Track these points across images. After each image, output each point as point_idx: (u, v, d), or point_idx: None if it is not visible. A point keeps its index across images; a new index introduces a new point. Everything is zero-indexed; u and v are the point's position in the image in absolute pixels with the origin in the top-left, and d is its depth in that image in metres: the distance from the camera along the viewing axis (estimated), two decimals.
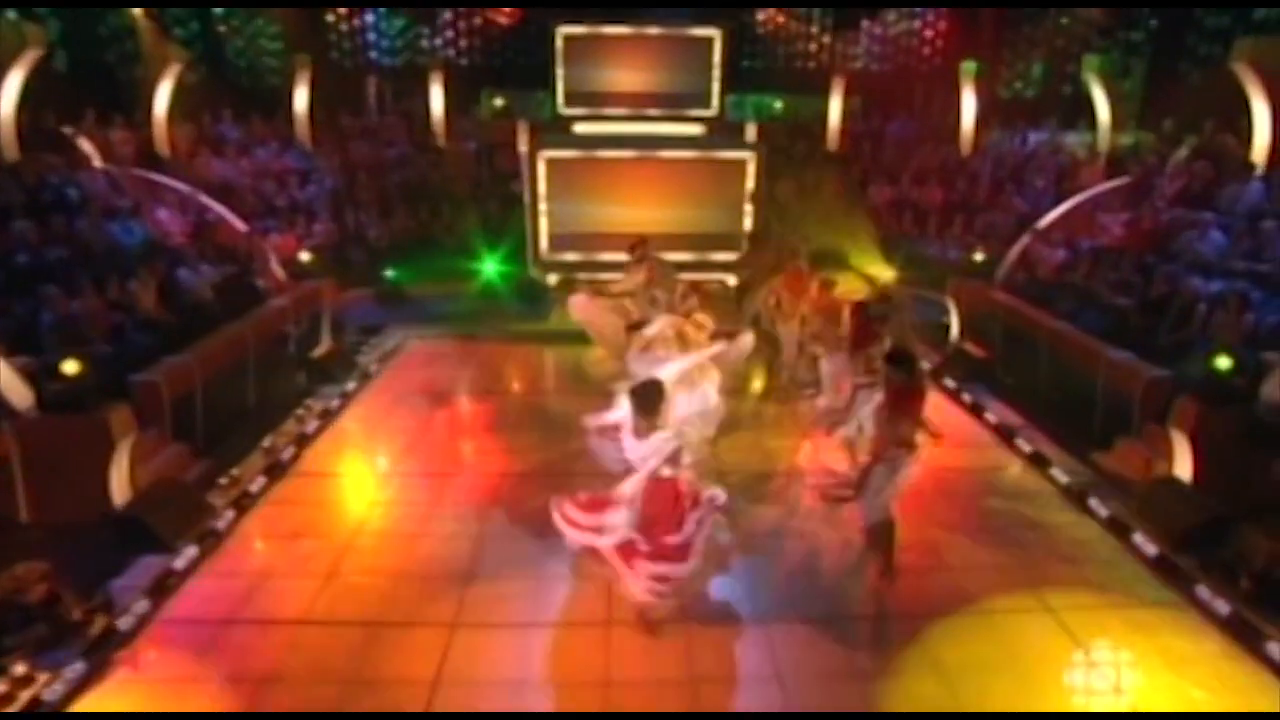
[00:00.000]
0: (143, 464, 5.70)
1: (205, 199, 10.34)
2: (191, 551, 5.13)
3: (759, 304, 8.61)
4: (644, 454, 4.23)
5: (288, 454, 6.68)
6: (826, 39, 14.86)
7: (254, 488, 6.04)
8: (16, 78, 8.80)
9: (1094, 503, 6.08)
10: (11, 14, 9.31)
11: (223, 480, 6.11)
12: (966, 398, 8.30)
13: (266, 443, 6.90)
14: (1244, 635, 4.49)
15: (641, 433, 4.28)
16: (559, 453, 6.71)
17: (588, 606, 4.68)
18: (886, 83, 14.83)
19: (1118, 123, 11.20)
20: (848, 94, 13.71)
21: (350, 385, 8.53)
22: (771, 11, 14.96)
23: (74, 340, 6.00)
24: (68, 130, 10.23)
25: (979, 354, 9.27)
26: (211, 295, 8.25)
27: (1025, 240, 10.15)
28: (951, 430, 6.75)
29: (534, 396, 8.96)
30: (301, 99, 13.31)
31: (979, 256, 10.61)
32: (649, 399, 4.32)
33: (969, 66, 12.72)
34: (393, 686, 4.06)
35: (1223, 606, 4.72)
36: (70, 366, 5.49)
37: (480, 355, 10.00)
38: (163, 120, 11.47)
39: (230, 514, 5.64)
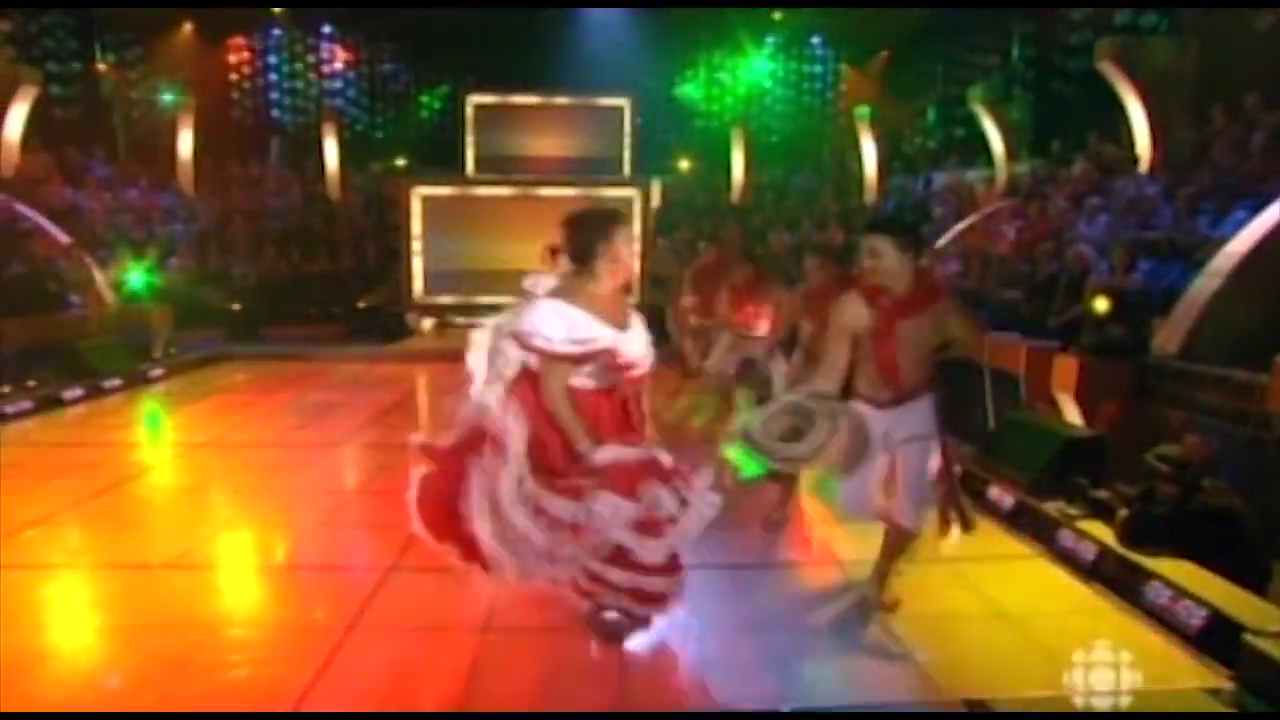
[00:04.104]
0: None
1: (23, 209, 9.60)
2: None
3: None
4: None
5: None
6: (730, 100, 15.13)
7: None
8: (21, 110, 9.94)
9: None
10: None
11: None
12: None
13: None
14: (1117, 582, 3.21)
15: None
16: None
17: None
18: (791, 137, 14.92)
19: (1011, 152, 10.95)
20: (748, 148, 13.65)
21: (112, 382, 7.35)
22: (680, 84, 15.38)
23: None
24: None
25: None
26: None
27: (922, 261, 9.59)
28: None
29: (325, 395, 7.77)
30: (186, 144, 13.01)
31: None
32: None
33: (862, 111, 12.70)
34: None
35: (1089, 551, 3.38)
36: None
37: (294, 371, 8.97)
38: (12, 142, 10.93)
39: None
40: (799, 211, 12.96)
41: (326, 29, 15.06)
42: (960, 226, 9.86)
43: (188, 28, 13.73)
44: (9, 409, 6.26)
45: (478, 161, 14.14)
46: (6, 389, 6.60)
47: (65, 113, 12.38)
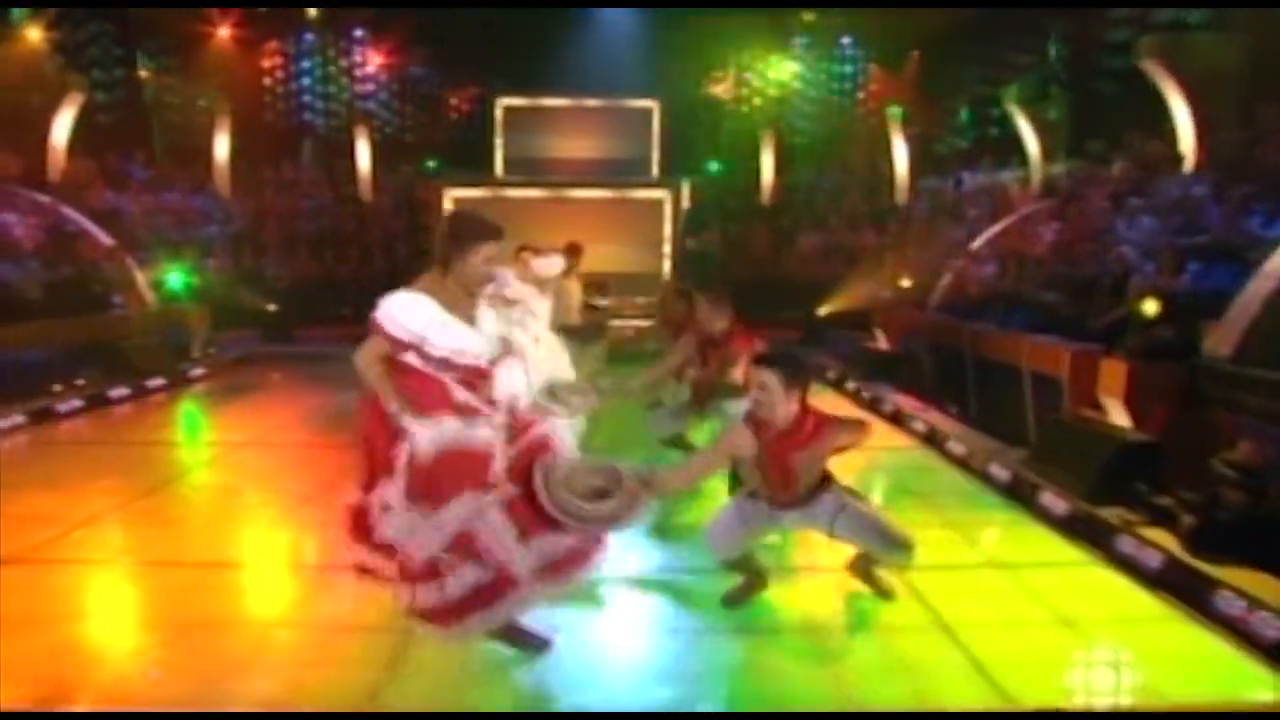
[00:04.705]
0: None
1: (70, 212, 9.80)
2: None
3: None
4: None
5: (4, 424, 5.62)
6: (758, 101, 15.07)
7: None
8: (68, 117, 10.25)
9: (995, 469, 4.75)
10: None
11: None
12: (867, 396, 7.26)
13: None
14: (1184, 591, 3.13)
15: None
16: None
17: None
18: (821, 138, 14.84)
19: (1047, 152, 10.76)
20: (777, 149, 13.59)
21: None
22: (708, 84, 15.33)
23: None
24: None
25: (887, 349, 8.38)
26: (39, 292, 7.96)
27: (957, 264, 9.49)
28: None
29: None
30: (222, 148, 13.22)
31: (905, 283, 9.85)
32: None
33: (894, 111, 12.58)
34: None
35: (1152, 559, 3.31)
36: None
37: (328, 372, 9.00)
38: (59, 148, 11.18)
39: None
40: (828, 212, 12.87)
41: (358, 33, 15.21)
42: (996, 228, 9.73)
43: (224, 34, 13.96)
44: (62, 407, 6.40)
45: (506, 163, 14.25)
46: (58, 388, 6.75)
47: (108, 119, 12.62)
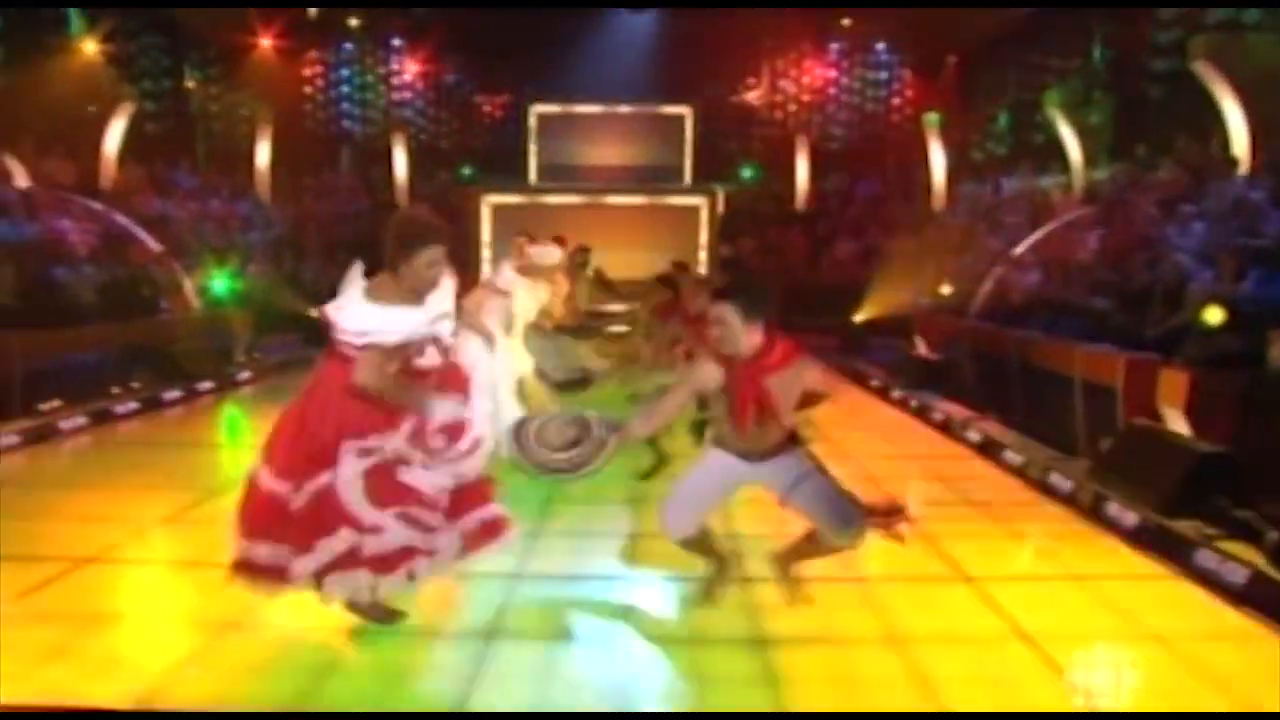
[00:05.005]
0: None
1: (121, 219, 10.04)
2: None
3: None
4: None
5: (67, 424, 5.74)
6: (792, 107, 15.06)
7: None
8: (120, 126, 10.55)
9: (1055, 479, 4.67)
10: None
11: None
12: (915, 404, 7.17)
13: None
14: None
15: None
16: None
17: None
18: (856, 144, 14.77)
19: (1089, 158, 10.60)
20: (812, 155, 13.55)
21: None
22: (741, 90, 15.36)
23: None
24: None
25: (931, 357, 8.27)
26: (93, 296, 8.20)
27: (998, 271, 9.37)
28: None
29: None
30: (263, 155, 13.48)
31: (946, 290, 9.75)
32: None
33: (931, 118, 12.49)
34: None
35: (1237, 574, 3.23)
36: None
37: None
38: (111, 156, 11.47)
39: None
40: (864, 219, 12.80)
41: (395, 42, 15.46)
42: (1037, 234, 9.61)
43: (265, 43, 14.26)
44: (119, 409, 6.54)
45: (540, 169, 14.36)
46: (116, 390, 6.90)
47: (156, 127, 12.95)
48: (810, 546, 2.99)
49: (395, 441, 2.72)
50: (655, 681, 2.70)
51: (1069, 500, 4.53)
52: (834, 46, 14.87)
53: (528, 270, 4.89)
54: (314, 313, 10.59)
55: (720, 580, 3.10)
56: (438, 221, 2.79)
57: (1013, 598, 3.24)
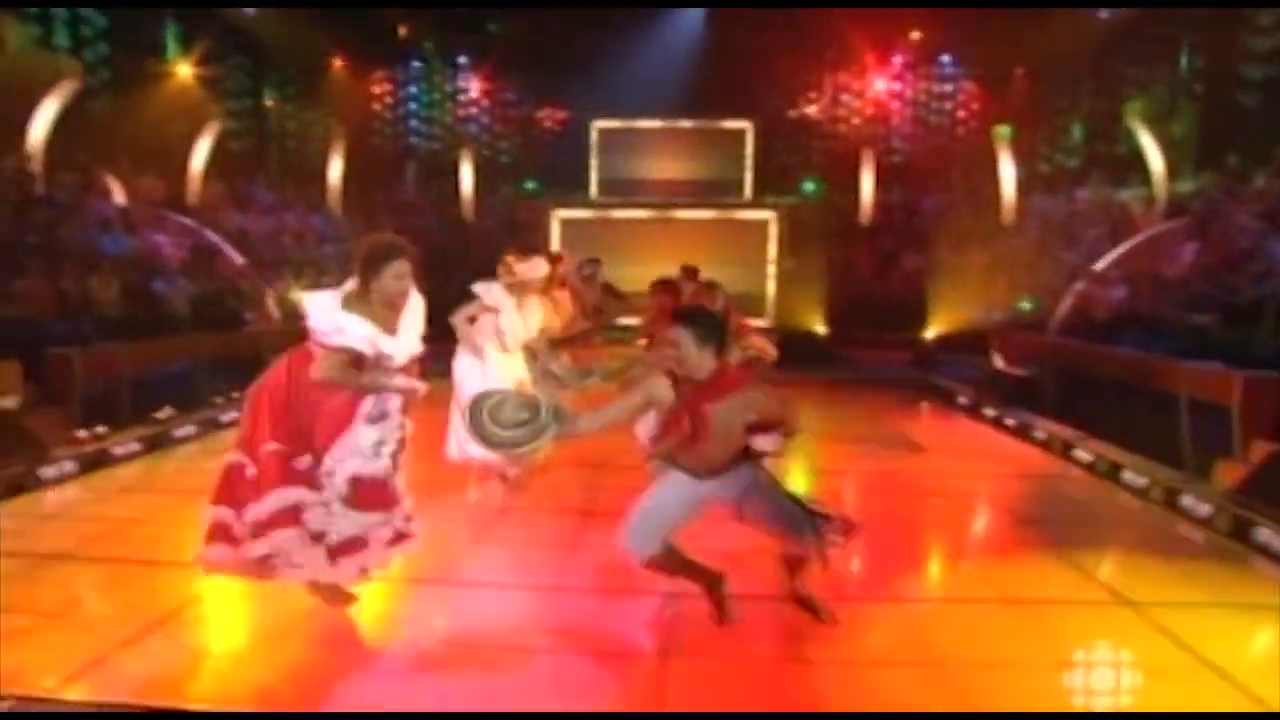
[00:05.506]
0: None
1: (209, 234, 10.40)
2: None
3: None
4: None
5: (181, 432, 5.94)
6: (856, 121, 14.97)
7: (120, 451, 5.21)
8: (52, 106, 9.27)
9: (1189, 501, 4.51)
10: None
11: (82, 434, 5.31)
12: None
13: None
14: None
15: None
16: None
17: None
18: (920, 157, 14.62)
19: (1173, 170, 10.28)
20: (877, 169, 13.43)
21: None
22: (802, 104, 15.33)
23: None
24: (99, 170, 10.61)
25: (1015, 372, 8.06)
26: (187, 308, 8.58)
27: (1079, 286, 9.11)
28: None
29: None
30: (336, 170, 13.88)
31: (1026, 305, 9.53)
32: None
33: (1002, 131, 12.27)
34: None
35: None
36: None
37: (444, 386, 9.29)
38: (197, 174, 11.92)
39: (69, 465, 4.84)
40: (932, 232, 12.62)
41: (461, 59, 15.83)
42: (1121, 248, 9.33)
43: (338, 63, 14.71)
44: (224, 418, 6.74)
45: (601, 184, 14.49)
46: (219, 400, 7.12)
47: (237, 145, 13.45)
48: (789, 562, 3.09)
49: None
50: None
51: (1207, 524, 4.37)
52: (897, 60, 14.77)
53: (516, 287, 4.97)
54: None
55: (719, 588, 3.08)
56: (403, 241, 3.03)
57: (1183, 625, 3.13)
